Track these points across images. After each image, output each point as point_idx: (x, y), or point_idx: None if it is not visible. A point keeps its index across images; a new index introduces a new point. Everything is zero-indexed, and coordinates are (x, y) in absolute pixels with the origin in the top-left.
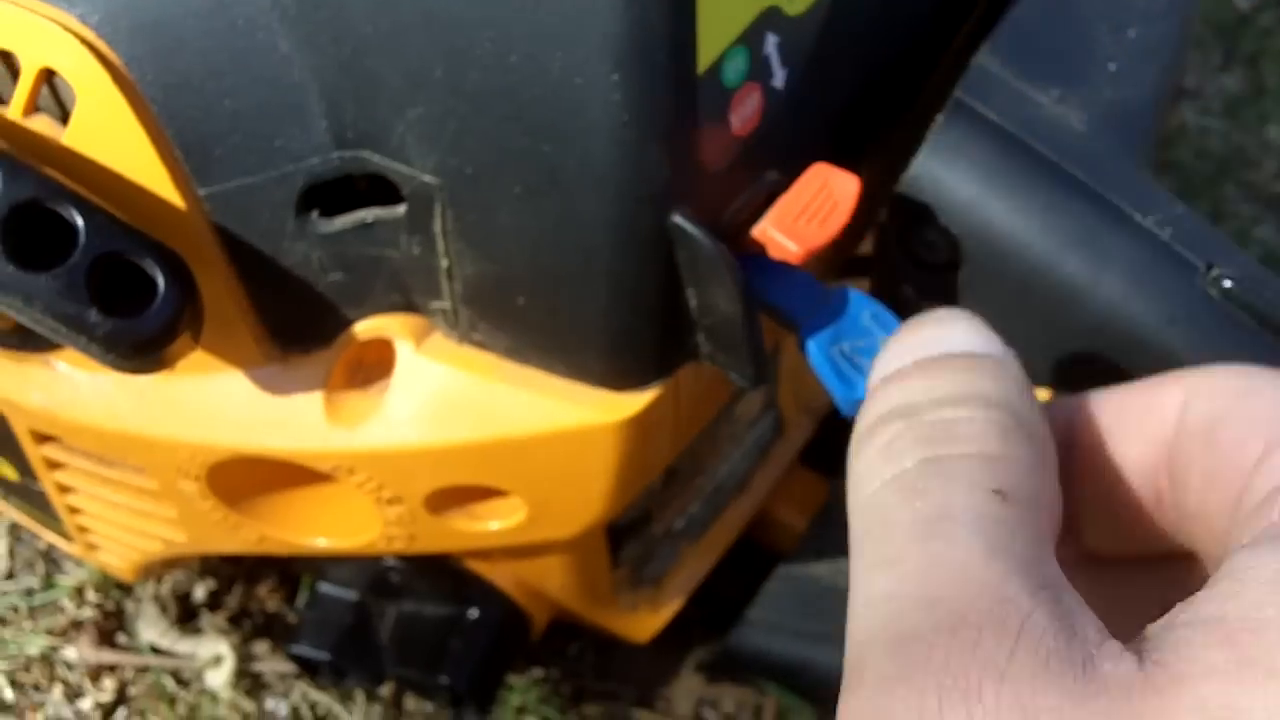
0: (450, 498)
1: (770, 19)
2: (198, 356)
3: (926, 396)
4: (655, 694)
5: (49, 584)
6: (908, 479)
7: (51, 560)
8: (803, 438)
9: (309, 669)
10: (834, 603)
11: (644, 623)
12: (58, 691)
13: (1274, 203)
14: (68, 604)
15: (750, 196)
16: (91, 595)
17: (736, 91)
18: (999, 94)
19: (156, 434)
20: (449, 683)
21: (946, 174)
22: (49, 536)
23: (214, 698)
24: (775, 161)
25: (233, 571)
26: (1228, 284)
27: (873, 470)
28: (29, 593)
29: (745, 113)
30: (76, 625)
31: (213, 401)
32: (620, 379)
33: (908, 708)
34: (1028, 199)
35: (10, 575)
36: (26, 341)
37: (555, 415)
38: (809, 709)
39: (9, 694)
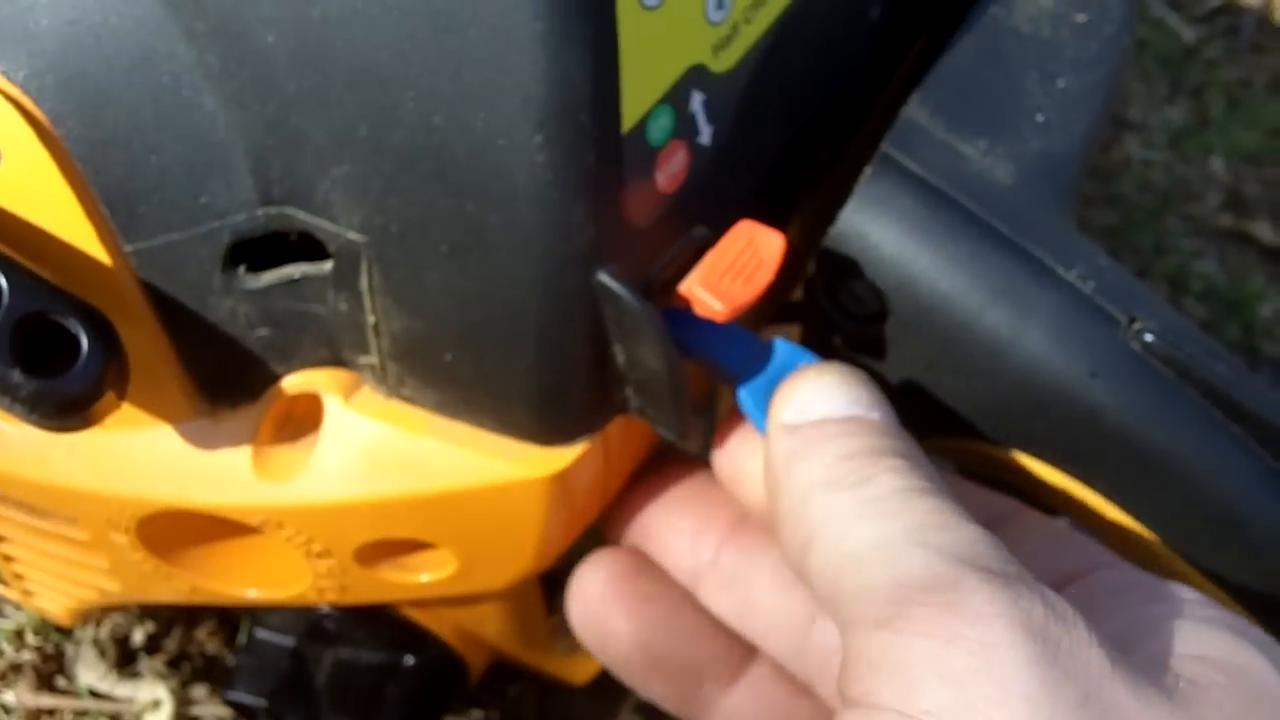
0: (380, 550)
1: (696, 76)
2: (126, 411)
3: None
4: None
5: None
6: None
7: None
8: None
9: (246, 714)
10: None
11: (582, 665)
12: None
13: (1216, 236)
14: (6, 647)
15: (677, 252)
16: (30, 638)
17: (662, 150)
18: (925, 147)
19: (86, 487)
20: None
21: (872, 228)
22: None
23: None
24: (703, 217)
25: (172, 614)
26: (1149, 338)
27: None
28: None
29: (671, 170)
30: (15, 669)
31: (141, 455)
32: (549, 434)
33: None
34: (952, 253)
35: None
36: None
37: (483, 470)
38: None
39: None
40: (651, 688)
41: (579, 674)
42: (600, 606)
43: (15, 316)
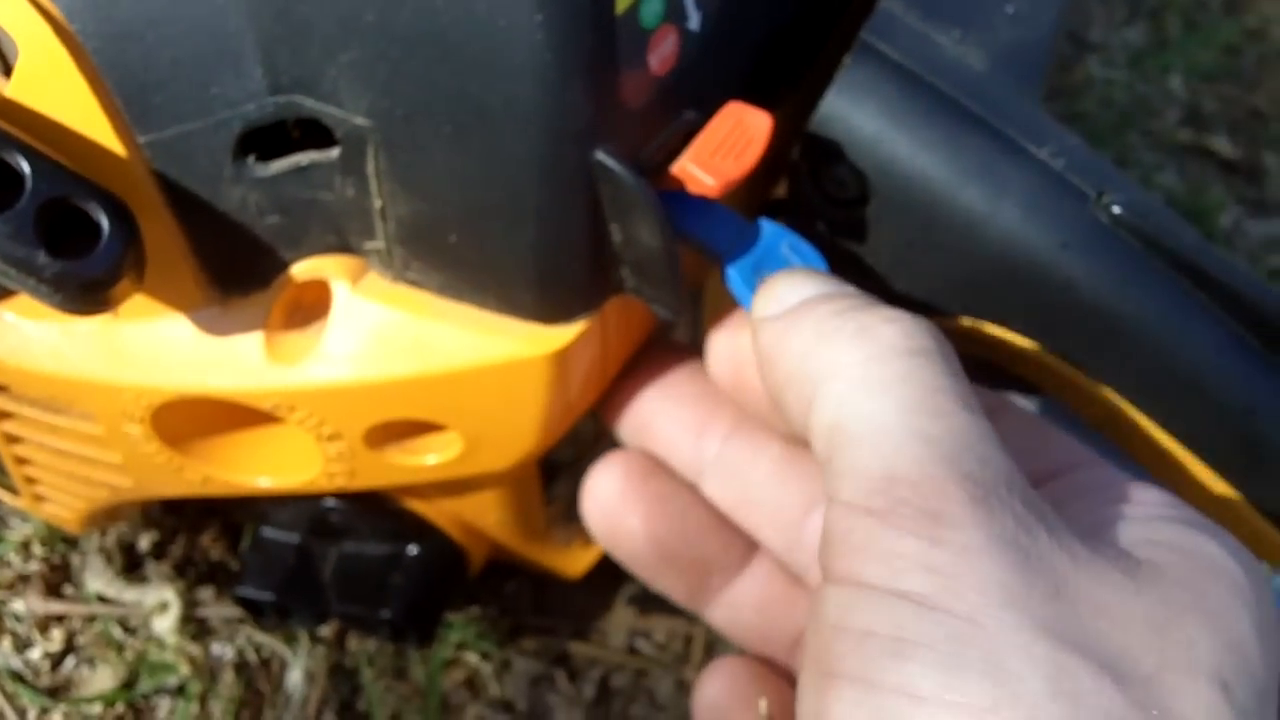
0: (388, 433)
1: None
2: (140, 301)
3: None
4: (590, 627)
5: None
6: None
7: None
8: None
9: (254, 611)
10: None
11: (577, 558)
12: (7, 643)
13: (1175, 151)
14: (14, 558)
15: (668, 135)
16: (37, 549)
17: (654, 33)
18: (903, 35)
19: (102, 378)
20: (390, 617)
21: (853, 112)
22: None
23: (161, 644)
24: (691, 101)
25: (176, 522)
26: (1117, 210)
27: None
28: None
29: (662, 53)
30: (24, 578)
31: (156, 344)
32: (549, 312)
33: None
34: (930, 134)
35: None
36: None
37: (487, 349)
38: None
39: None
40: (661, 580)
41: (575, 566)
42: (614, 506)
43: (39, 201)
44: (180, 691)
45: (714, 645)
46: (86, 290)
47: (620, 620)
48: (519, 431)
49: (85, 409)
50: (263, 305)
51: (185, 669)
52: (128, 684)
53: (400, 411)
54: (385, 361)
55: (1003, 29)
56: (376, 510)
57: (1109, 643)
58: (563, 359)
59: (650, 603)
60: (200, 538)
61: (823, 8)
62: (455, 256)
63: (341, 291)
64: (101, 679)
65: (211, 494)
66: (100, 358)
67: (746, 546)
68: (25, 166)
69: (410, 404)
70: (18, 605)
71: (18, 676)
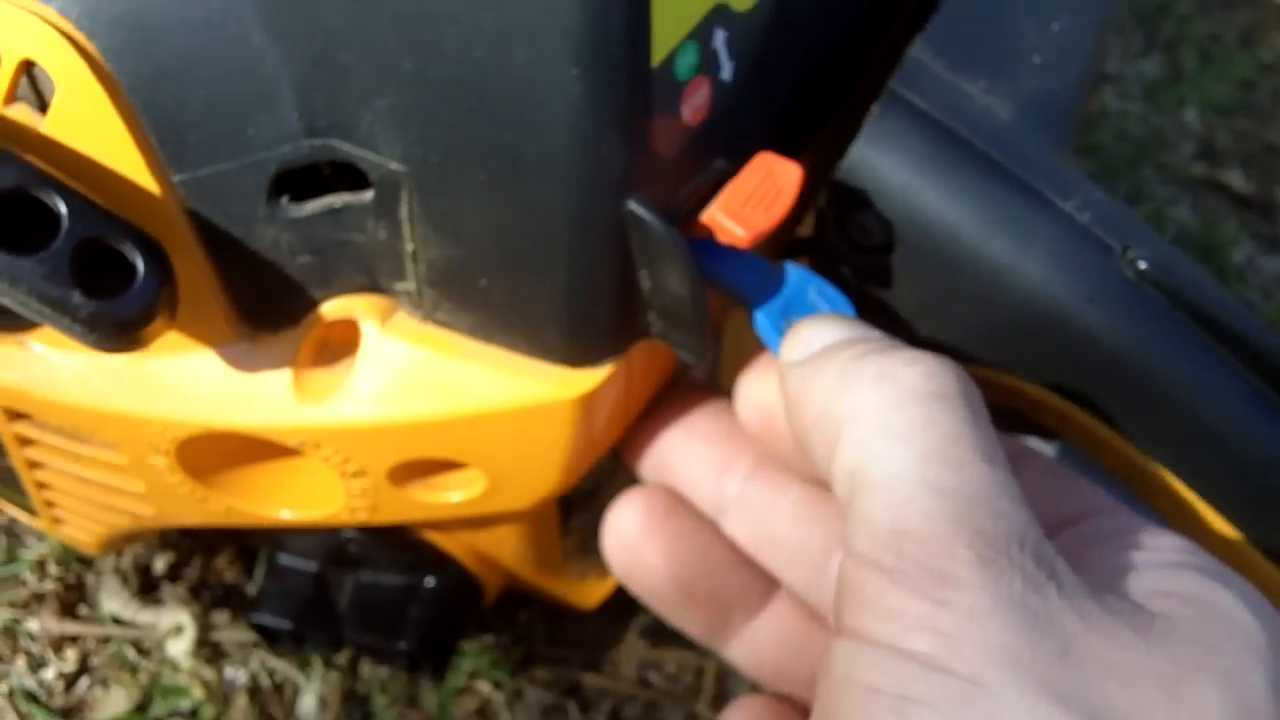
0: (412, 470)
1: (719, 15)
2: (170, 336)
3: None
4: (602, 658)
5: (11, 558)
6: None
7: (13, 535)
8: None
9: (269, 637)
10: None
11: (592, 590)
12: (21, 662)
13: (1190, 185)
14: (29, 577)
15: (699, 183)
16: (53, 569)
17: (688, 84)
18: (931, 85)
19: (129, 410)
20: (406, 648)
21: (881, 161)
22: (13, 511)
23: (174, 666)
24: (722, 150)
25: (191, 545)
26: (1142, 265)
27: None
28: None
29: (695, 104)
30: (39, 598)
31: (184, 379)
32: (577, 356)
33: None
34: (957, 185)
35: None
36: (2, 321)
37: (516, 391)
38: None
39: None
40: (681, 617)
41: (589, 598)
42: (635, 542)
43: (74, 241)
44: (193, 715)
45: (725, 677)
46: (120, 330)
47: (632, 651)
48: (542, 471)
49: (110, 439)
50: (292, 342)
51: (199, 693)
52: (141, 706)
53: (425, 450)
54: (412, 401)
55: (1029, 79)
56: (394, 541)
57: (1116, 703)
58: (589, 402)
59: (662, 635)
60: (215, 561)
61: (847, 57)
62: (485, 299)
63: (370, 331)
64: (115, 701)
65: (234, 524)
66: (128, 390)
67: (767, 584)
68: (62, 207)
69: (436, 443)
70: (32, 625)
71: (31, 697)
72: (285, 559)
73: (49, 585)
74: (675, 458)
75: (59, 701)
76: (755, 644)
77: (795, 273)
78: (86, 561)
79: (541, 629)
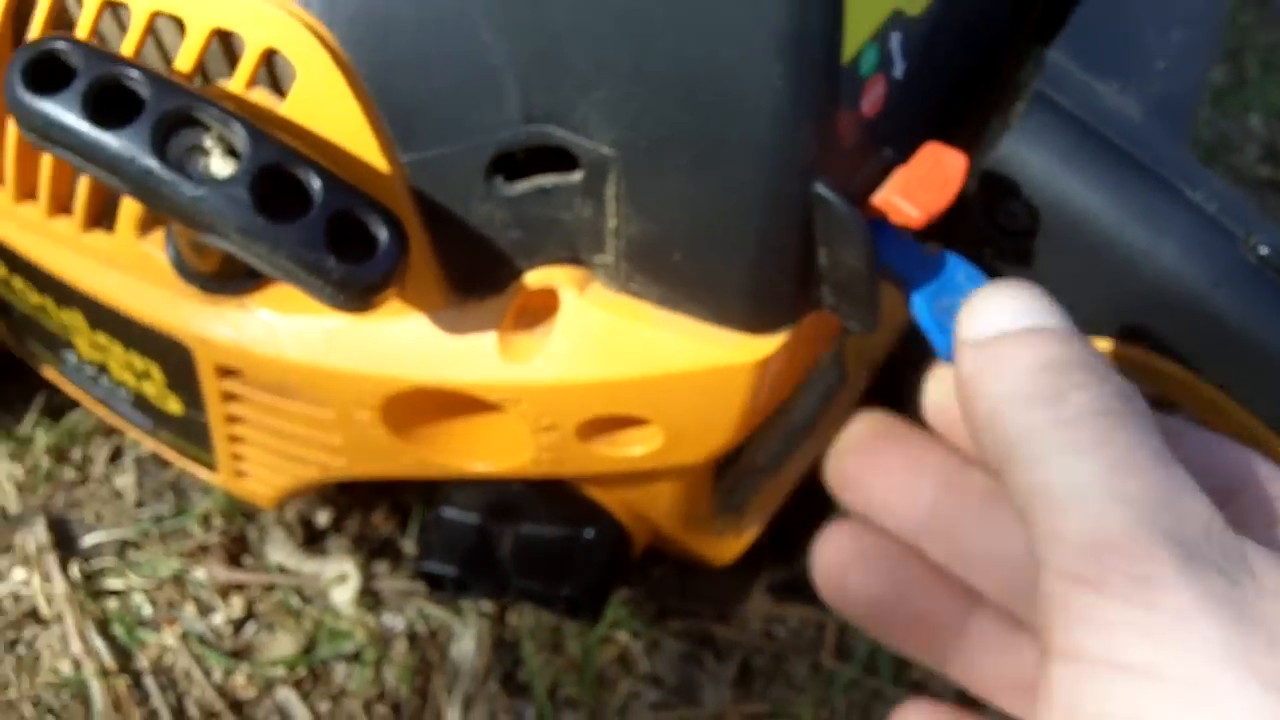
0: (598, 426)
1: (896, 19)
2: (388, 301)
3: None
4: (730, 612)
5: (179, 511)
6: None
7: (179, 490)
8: (861, 388)
9: (433, 584)
10: None
11: (728, 546)
12: (190, 608)
13: (1256, 184)
14: (196, 529)
15: (870, 170)
16: (218, 521)
17: (868, 81)
18: (1071, 86)
19: (343, 368)
20: (570, 593)
21: (1030, 154)
22: (190, 467)
23: (337, 613)
24: (890, 141)
25: (350, 500)
26: (1264, 250)
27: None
28: (158, 519)
29: (873, 98)
30: (204, 549)
31: (397, 340)
32: (757, 324)
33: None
34: (1098, 176)
35: (140, 504)
36: (225, 285)
37: (701, 355)
38: None
39: (148, 610)
40: (889, 637)
41: (724, 554)
42: (840, 569)
43: (329, 212)
44: (356, 658)
45: (846, 632)
46: (365, 292)
47: (758, 607)
48: (717, 429)
49: (319, 395)
50: (497, 308)
51: (361, 637)
52: (306, 650)
53: (614, 408)
54: (606, 363)
55: (1155, 83)
56: (554, 496)
57: None
58: (765, 366)
59: (785, 591)
60: (372, 516)
61: (988, 58)
62: (677, 272)
63: (570, 299)
64: (282, 644)
65: (422, 476)
66: (344, 350)
67: (970, 597)
68: (316, 182)
69: (625, 402)
70: (199, 574)
71: (202, 639)
72: (449, 512)
73: (214, 537)
74: (869, 481)
75: (228, 644)
76: (966, 658)
77: (947, 258)
78: (249, 516)
79: (674, 584)
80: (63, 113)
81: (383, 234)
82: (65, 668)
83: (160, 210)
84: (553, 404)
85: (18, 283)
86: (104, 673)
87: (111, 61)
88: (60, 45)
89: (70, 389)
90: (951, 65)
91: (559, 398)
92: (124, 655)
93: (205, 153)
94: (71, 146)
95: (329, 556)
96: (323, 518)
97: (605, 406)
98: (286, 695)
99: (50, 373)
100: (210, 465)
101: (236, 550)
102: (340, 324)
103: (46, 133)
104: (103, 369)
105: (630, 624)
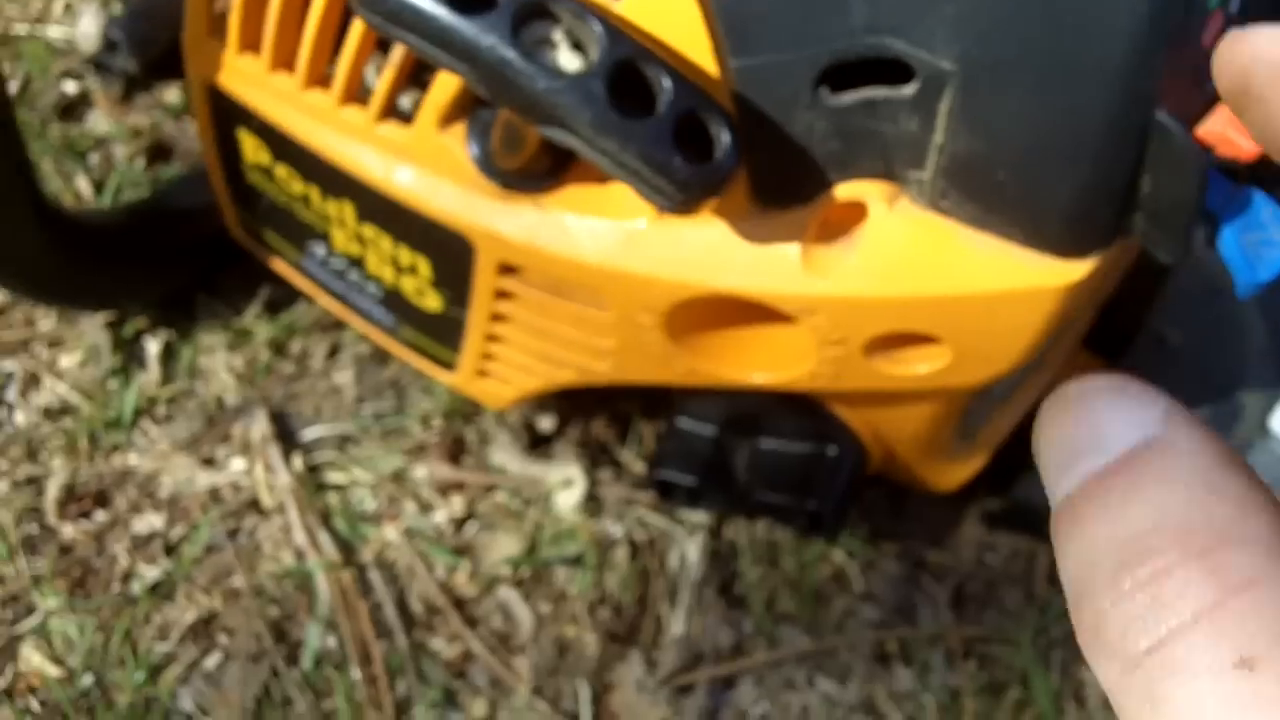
0: (885, 343)
1: None
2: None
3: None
4: (943, 537)
5: (398, 410)
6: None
7: (398, 388)
8: (1086, 324)
9: (664, 493)
10: None
11: (954, 473)
12: (410, 505)
13: None
14: (415, 428)
15: (1199, 103)
16: (437, 422)
17: (1211, 14)
18: None
19: (637, 271)
20: (816, 509)
21: None
22: (422, 364)
23: (557, 517)
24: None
25: (570, 408)
26: None
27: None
28: (379, 416)
29: (1213, 30)
30: (423, 447)
31: (696, 246)
32: (1070, 248)
33: None
34: None
35: (359, 400)
36: (525, 182)
37: (1010, 276)
38: None
39: (370, 504)
40: None
41: (948, 481)
42: None
43: (677, 112)
44: (578, 562)
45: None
46: (703, 193)
47: (969, 534)
48: (1009, 351)
49: (603, 298)
50: (800, 220)
51: (584, 541)
52: (528, 551)
53: (910, 325)
54: (910, 280)
55: None
56: (798, 410)
57: None
58: (1074, 290)
59: (996, 520)
60: (593, 423)
61: None
62: (997, 192)
63: (879, 212)
64: (504, 544)
65: (686, 383)
66: (642, 254)
67: None
68: (666, 81)
69: (922, 319)
70: (419, 471)
71: (423, 535)
72: (685, 422)
73: (433, 437)
74: None
75: (450, 542)
76: None
77: (1254, 196)
78: (467, 417)
79: (886, 509)
80: None
81: (724, 136)
82: (288, 558)
83: (505, 101)
84: (849, 318)
85: (281, 171)
86: (328, 565)
87: None
88: None
89: (303, 283)
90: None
91: (857, 311)
92: (346, 548)
93: (553, 45)
94: (423, 31)
95: (553, 461)
96: (546, 423)
97: (902, 323)
98: (508, 594)
99: (281, 265)
100: (448, 364)
101: (456, 451)
102: (640, 227)
103: (398, 16)
104: (355, 262)
105: (846, 543)
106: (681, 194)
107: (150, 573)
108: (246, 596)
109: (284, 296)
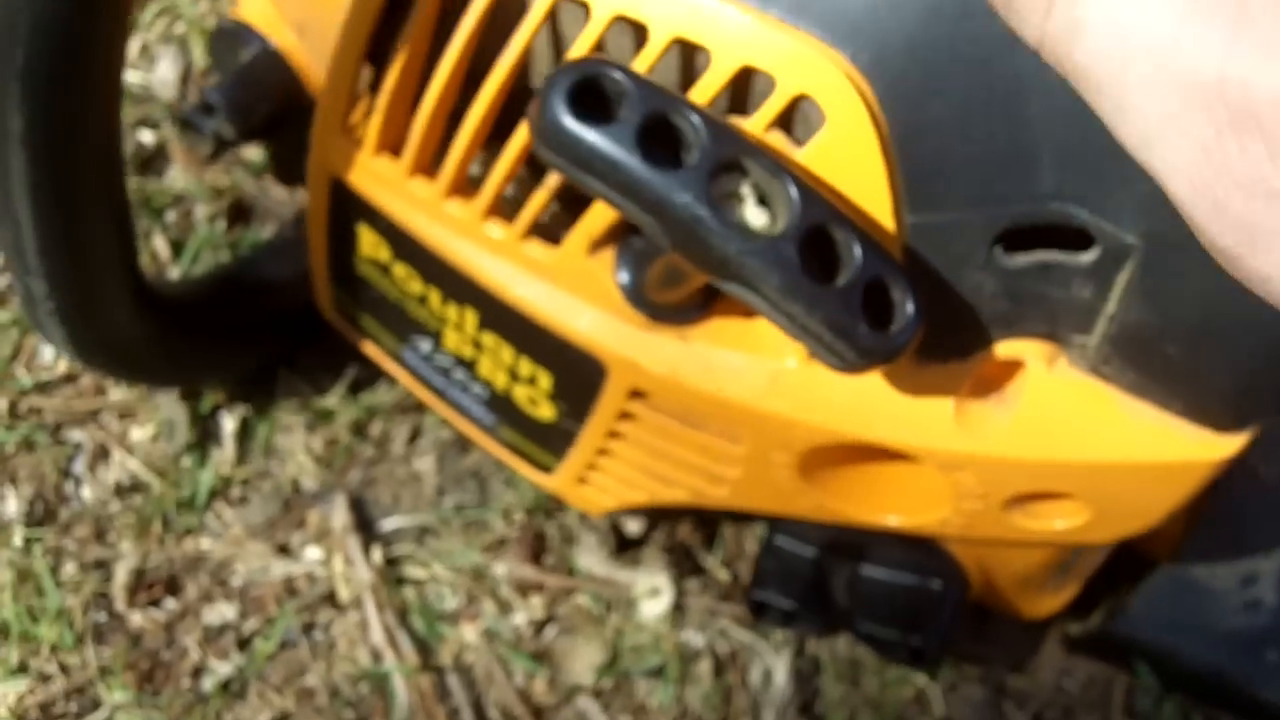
0: (1026, 498)
1: None
2: None
3: None
4: (1023, 661)
5: (480, 501)
6: None
7: (480, 479)
8: None
9: (758, 612)
10: (1205, 603)
11: (1048, 603)
12: (490, 605)
13: None
14: (497, 522)
15: None
16: (518, 516)
17: None
18: None
19: (779, 412)
20: (921, 645)
21: None
22: (515, 464)
23: (639, 625)
24: None
25: (657, 512)
26: None
27: None
28: (459, 509)
29: None
30: (502, 542)
31: (845, 393)
32: (1230, 423)
33: None
34: None
35: (440, 490)
36: (673, 315)
37: (1165, 448)
38: (1158, 690)
39: (450, 603)
40: None
41: (1041, 610)
42: None
43: (865, 280)
44: (659, 673)
45: (1133, 691)
46: (884, 360)
47: (1049, 658)
48: (1149, 515)
49: (737, 431)
50: (957, 375)
51: (667, 652)
52: (610, 660)
53: (1058, 486)
54: (1065, 444)
55: None
56: (904, 540)
57: None
58: (1223, 465)
59: (1075, 644)
60: (679, 526)
61: None
62: (1163, 364)
63: (1039, 373)
64: (587, 653)
65: (813, 518)
66: (787, 395)
67: None
68: (857, 248)
69: (1070, 483)
70: (499, 569)
71: (503, 639)
72: (783, 540)
73: (514, 532)
74: None
75: (529, 646)
76: None
77: None
78: (549, 513)
79: (968, 629)
80: (613, 146)
81: (909, 306)
82: (364, 658)
83: (687, 254)
84: (996, 475)
85: (400, 270)
86: (407, 669)
87: (662, 96)
88: (610, 72)
89: (397, 371)
90: None
91: (1005, 470)
92: (424, 648)
93: (740, 200)
94: (613, 182)
95: (640, 567)
96: (634, 526)
97: (1049, 484)
98: (588, 704)
99: (374, 350)
100: (545, 467)
101: (538, 548)
102: (789, 366)
103: (588, 164)
104: (464, 363)
105: (928, 666)
106: (862, 360)
107: (222, 668)
108: (321, 696)
109: (367, 376)
